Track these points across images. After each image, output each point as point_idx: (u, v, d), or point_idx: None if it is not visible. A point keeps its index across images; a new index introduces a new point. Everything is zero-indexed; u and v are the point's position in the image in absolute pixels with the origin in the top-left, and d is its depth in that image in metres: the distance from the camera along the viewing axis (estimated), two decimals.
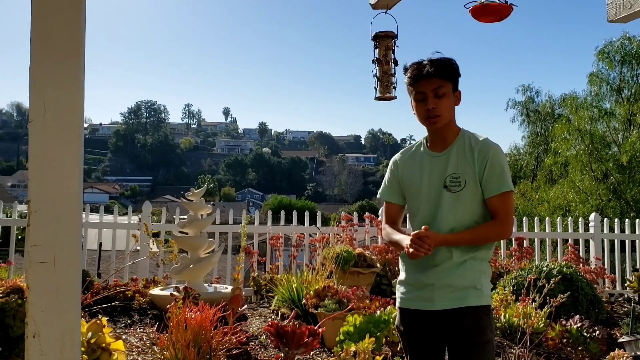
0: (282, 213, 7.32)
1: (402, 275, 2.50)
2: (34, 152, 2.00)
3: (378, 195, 2.70)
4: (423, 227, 2.29)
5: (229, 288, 5.27)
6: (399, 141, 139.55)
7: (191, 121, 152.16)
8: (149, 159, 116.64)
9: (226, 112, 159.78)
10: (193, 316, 3.47)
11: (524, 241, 6.92)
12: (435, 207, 2.38)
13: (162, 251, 6.05)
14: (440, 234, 2.30)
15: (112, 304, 5.07)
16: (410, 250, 2.26)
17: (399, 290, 2.49)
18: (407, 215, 2.67)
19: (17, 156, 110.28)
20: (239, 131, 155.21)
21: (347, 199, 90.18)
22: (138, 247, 6.51)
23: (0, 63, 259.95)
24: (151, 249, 6.15)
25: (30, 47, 2.00)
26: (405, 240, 2.36)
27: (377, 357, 3.25)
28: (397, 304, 2.51)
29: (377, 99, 3.54)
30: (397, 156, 2.65)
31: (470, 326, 2.28)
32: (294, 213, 7.40)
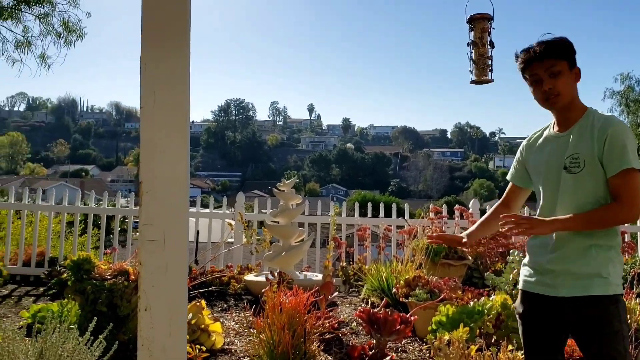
0: (369, 205, 7.32)
1: (526, 258, 2.45)
2: (145, 136, 2.13)
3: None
4: (502, 216, 2.27)
5: (319, 276, 5.36)
6: (487, 135, 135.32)
7: (277, 118, 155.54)
8: (238, 155, 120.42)
9: (310, 109, 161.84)
10: (287, 300, 3.56)
11: (625, 235, 6.53)
12: (555, 190, 2.30)
13: (254, 240, 6.24)
14: (552, 219, 2.22)
15: (209, 289, 5.30)
16: (505, 228, 2.22)
17: (522, 272, 2.43)
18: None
19: (116, 153, 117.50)
20: (323, 127, 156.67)
21: (432, 195, 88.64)
22: (232, 239, 6.75)
23: (98, 66, 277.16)
24: (244, 238, 6.36)
25: (141, 37, 2.13)
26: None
27: (472, 346, 3.18)
28: (520, 286, 2.44)
29: (472, 82, 3.47)
30: (525, 140, 2.60)
31: (595, 316, 2.16)
32: (381, 205, 7.38)
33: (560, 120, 2.37)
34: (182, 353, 2.12)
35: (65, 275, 4.54)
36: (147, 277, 2.09)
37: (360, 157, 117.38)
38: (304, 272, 5.83)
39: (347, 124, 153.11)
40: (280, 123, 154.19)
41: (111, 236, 7.60)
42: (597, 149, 2.21)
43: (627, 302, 4.32)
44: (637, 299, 4.38)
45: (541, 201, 2.39)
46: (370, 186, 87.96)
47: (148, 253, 2.09)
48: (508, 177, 2.64)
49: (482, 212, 7.22)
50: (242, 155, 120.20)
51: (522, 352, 3.17)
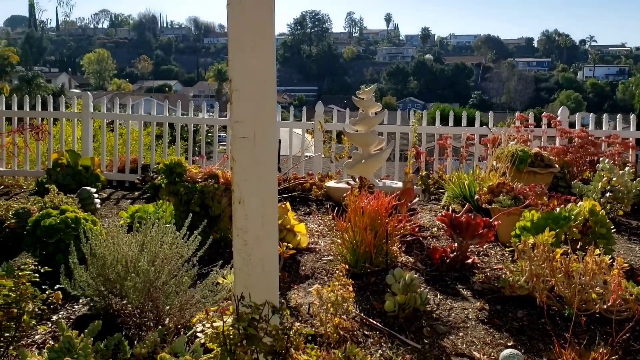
0: (451, 113, 7.15)
1: None
2: (233, 34, 2.15)
3: None
4: None
5: (399, 184, 5.39)
6: (577, 43, 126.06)
7: (353, 29, 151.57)
8: (314, 69, 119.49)
9: (388, 19, 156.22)
10: (369, 203, 3.63)
11: None
12: None
13: (334, 149, 6.31)
14: None
15: (292, 194, 5.49)
16: None
17: None
18: None
19: (197, 68, 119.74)
20: (401, 38, 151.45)
21: (515, 107, 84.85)
22: (311, 154, 6.85)
23: None
24: (324, 148, 6.45)
25: None
26: None
27: (558, 249, 3.15)
28: None
29: None
30: None
31: None
32: (464, 114, 7.19)
33: None
34: (274, 242, 2.24)
35: (158, 179, 4.83)
36: (240, 172, 2.19)
37: (440, 69, 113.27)
38: (382, 180, 5.87)
39: (426, 34, 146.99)
40: (357, 35, 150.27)
41: (196, 149, 7.92)
42: None
43: None
44: None
45: None
46: (449, 99, 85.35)
47: (240, 149, 2.17)
48: None
49: (571, 124, 6.89)
50: (318, 69, 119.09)
51: (609, 257, 3.11)
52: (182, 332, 2.82)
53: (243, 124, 2.15)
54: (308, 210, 5.30)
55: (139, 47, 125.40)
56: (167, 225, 3.11)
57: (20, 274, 2.61)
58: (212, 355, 1.75)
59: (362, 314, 3.14)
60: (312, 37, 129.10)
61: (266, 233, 2.21)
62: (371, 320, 3.08)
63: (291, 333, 1.83)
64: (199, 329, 1.75)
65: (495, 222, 3.67)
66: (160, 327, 2.72)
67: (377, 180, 5.64)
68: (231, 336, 1.74)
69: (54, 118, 7.68)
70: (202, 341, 1.71)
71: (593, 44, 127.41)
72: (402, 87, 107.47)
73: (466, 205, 4.05)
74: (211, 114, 9.15)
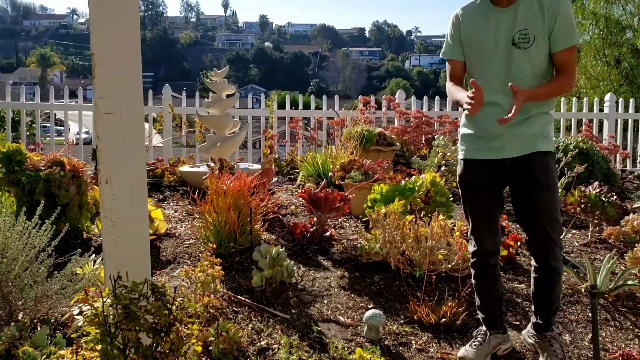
0: (300, 97, 7.38)
1: (468, 129, 2.59)
2: (94, 5, 2.04)
3: (441, 55, 2.72)
4: (510, 85, 2.29)
5: (255, 166, 5.46)
6: (404, 33, 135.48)
7: (190, 14, 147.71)
8: (149, 55, 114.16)
9: (225, 5, 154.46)
10: (232, 184, 3.65)
11: None
12: (507, 66, 2.42)
13: (185, 132, 6.18)
14: (526, 90, 2.34)
15: None
16: (467, 107, 2.35)
17: (465, 144, 2.60)
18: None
19: (16, 53, 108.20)
20: (239, 25, 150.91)
21: (351, 95, 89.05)
22: (159, 142, 6.64)
23: None
24: (174, 131, 6.29)
25: None
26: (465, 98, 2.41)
27: (408, 217, 3.45)
28: (463, 156, 2.63)
29: None
30: (458, 11, 2.61)
31: (539, 170, 2.44)
32: (312, 98, 7.47)
33: None
34: (144, 222, 2.19)
35: None
36: (106, 150, 2.10)
37: (279, 57, 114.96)
38: (238, 163, 5.90)
39: (264, 21, 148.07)
40: (193, 20, 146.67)
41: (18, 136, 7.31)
42: (548, 24, 2.36)
43: None
44: None
45: (488, 75, 2.46)
46: (290, 86, 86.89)
47: (105, 126, 2.08)
48: (449, 56, 2.65)
49: (407, 107, 7.48)
50: (153, 55, 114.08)
51: (451, 222, 3.49)
52: (39, 327, 2.63)
53: (108, 100, 2.06)
54: (162, 196, 5.16)
55: None
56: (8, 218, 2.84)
57: None
58: (91, 338, 1.68)
59: (230, 292, 3.17)
60: (146, 20, 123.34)
61: (136, 213, 2.14)
62: (239, 297, 3.12)
63: (173, 308, 1.81)
64: (75, 312, 1.66)
65: (350, 196, 3.90)
66: (13, 323, 2.51)
67: (232, 163, 5.65)
68: (111, 316, 1.69)
69: None
70: (80, 324, 1.64)
71: (418, 34, 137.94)
72: (244, 74, 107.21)
73: (323, 182, 4.25)
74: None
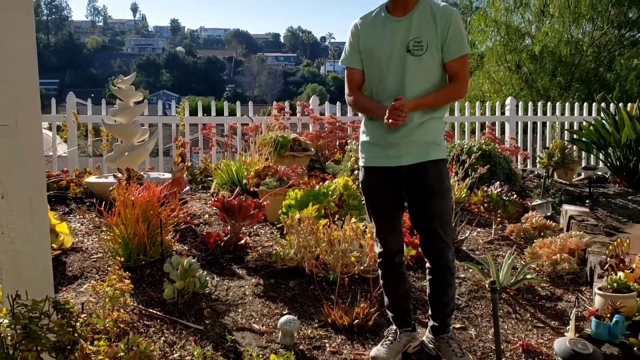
0: (213, 103, 7.30)
1: (367, 138, 2.67)
2: None
3: (340, 63, 2.77)
4: (397, 96, 2.45)
5: (166, 175, 5.34)
6: (318, 39, 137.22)
7: (97, 18, 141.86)
8: (54, 61, 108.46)
9: (134, 9, 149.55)
10: (140, 195, 3.55)
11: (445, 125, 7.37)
12: (402, 73, 2.52)
13: (91, 142, 5.95)
14: (412, 100, 2.46)
15: (48, 193, 5.02)
16: (390, 121, 2.43)
17: (365, 151, 2.68)
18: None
19: None
20: (150, 29, 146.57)
21: (267, 100, 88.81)
22: (64, 152, 6.35)
23: None
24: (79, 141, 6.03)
25: None
26: (379, 109, 2.52)
27: (322, 221, 3.51)
28: (363, 164, 2.70)
29: None
30: (357, 21, 2.69)
31: (433, 177, 2.56)
32: (225, 103, 7.41)
33: (397, 4, 2.55)
34: (45, 237, 2.10)
35: None
36: (1, 164, 1.99)
37: (193, 62, 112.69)
38: (147, 172, 5.75)
39: (176, 26, 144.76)
40: (101, 24, 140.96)
41: None
42: (441, 34, 2.50)
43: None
44: (455, 177, 5.06)
45: (386, 83, 2.56)
46: (204, 92, 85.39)
47: (0, 138, 1.98)
48: (349, 64, 2.69)
49: (321, 113, 7.60)
50: (59, 60, 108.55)
51: (363, 224, 3.58)
52: None
53: (3, 111, 1.96)
54: (67, 209, 4.93)
55: None
56: None
57: None
58: None
59: (140, 306, 3.09)
60: (50, 24, 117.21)
61: (36, 228, 2.05)
62: (151, 310, 3.05)
63: (77, 325, 1.75)
64: None
65: (265, 203, 3.91)
66: None
67: (141, 172, 5.49)
68: (9, 337, 1.61)
69: None
70: None
71: (332, 40, 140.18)
72: (155, 79, 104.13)
73: (237, 189, 4.22)
74: None
